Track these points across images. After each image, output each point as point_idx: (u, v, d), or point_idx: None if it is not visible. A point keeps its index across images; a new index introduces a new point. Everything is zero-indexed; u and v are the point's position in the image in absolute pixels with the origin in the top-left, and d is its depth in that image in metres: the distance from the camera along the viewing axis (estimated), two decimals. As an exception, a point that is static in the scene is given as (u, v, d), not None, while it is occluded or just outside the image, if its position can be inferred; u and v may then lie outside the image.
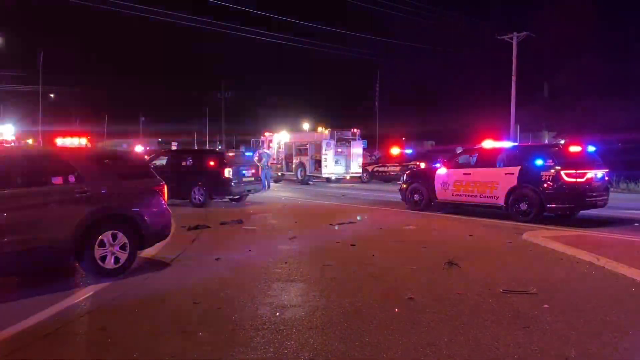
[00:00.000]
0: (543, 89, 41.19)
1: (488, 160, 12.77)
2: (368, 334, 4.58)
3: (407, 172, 16.60)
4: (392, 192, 18.62)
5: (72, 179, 6.52)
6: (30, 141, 43.12)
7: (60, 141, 8.05)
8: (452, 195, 13.16)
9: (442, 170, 13.53)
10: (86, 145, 8.38)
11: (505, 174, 11.99)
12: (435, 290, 6.03)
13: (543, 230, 10.18)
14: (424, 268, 7.16)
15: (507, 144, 14.13)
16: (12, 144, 26.84)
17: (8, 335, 4.51)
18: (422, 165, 21.83)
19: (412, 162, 25.82)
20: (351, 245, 8.74)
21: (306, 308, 5.34)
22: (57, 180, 6.45)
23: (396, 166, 26.80)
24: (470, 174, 12.82)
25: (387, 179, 27.15)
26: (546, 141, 40.39)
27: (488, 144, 13.33)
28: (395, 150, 28.81)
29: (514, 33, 32.03)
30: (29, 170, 6.31)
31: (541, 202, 11.35)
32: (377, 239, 9.51)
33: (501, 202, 12.00)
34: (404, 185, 14.75)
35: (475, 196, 12.60)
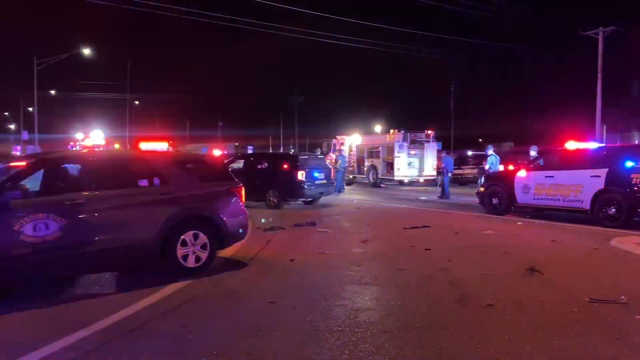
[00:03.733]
0: (631, 87, 38.52)
1: (572, 162, 12.15)
2: (445, 340, 4.48)
3: (485, 175, 16.10)
4: (468, 196, 18.13)
5: (157, 181, 6.88)
6: (117, 145, 45.90)
7: (144, 145, 8.48)
8: (534, 199, 12.61)
9: (522, 173, 12.99)
10: (168, 149, 8.80)
11: (591, 176, 11.33)
12: (515, 297, 5.80)
13: (633, 236, 9.52)
14: (504, 274, 6.91)
15: (593, 145, 13.37)
16: (102, 149, 28.58)
17: (99, 328, 4.81)
18: (501, 167, 21.05)
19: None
20: (426, 249, 8.59)
21: (381, 311, 5.30)
22: (144, 182, 6.83)
23: (473, 168, 26.04)
24: (553, 176, 12.22)
25: (463, 181, 26.46)
26: (637, 142, 37.73)
27: (572, 145, 12.66)
28: (471, 152, 28.01)
29: (600, 28, 30.17)
30: (118, 173, 6.73)
31: (631, 207, 10.63)
32: (453, 244, 9.28)
33: (586, 206, 11.36)
34: (482, 189, 14.33)
35: (559, 200, 12.01)
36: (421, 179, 26.20)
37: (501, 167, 17.06)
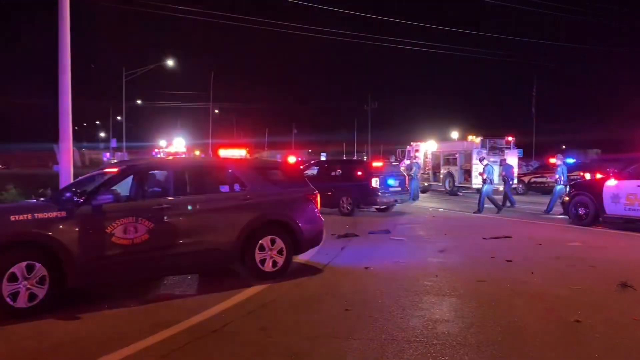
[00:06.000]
0: None
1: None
2: (528, 356, 4.29)
3: (570, 184, 15.28)
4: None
5: (237, 187, 7.10)
6: (197, 152, 47.89)
7: (223, 152, 8.76)
8: (624, 209, 11.79)
9: (612, 182, 12.20)
10: (246, 156, 9.05)
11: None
12: (605, 313, 5.45)
13: None
14: (592, 289, 6.51)
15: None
16: (184, 156, 29.86)
17: (182, 329, 5.02)
18: (587, 175, 19.87)
19: (575, 173, 23.66)
20: (507, 261, 8.26)
21: (459, 324, 5.16)
22: (225, 188, 7.07)
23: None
24: (647, 186, 11.39)
25: (545, 190, 25.17)
26: None
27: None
28: (554, 160, 26.66)
29: None
30: (201, 179, 7.02)
31: None
32: (536, 255, 8.86)
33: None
34: (567, 198, 13.60)
35: (654, 211, 11.15)
36: (500, 187, 25.23)
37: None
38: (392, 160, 21.98)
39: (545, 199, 17.43)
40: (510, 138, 25.76)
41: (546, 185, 25.34)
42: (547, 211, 15.99)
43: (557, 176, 16.40)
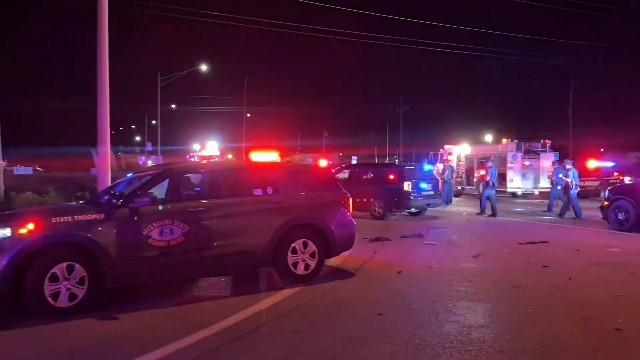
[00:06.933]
0: None
1: None
2: (567, 365, 4.18)
3: (609, 188, 14.86)
4: (589, 210, 16.79)
5: (270, 190, 7.15)
6: (230, 156, 48.45)
7: (255, 156, 8.82)
8: (667, 214, 11.39)
9: (654, 186, 11.81)
10: (277, 159, 9.09)
11: None
12: (649, 323, 5.27)
13: None
14: (632, 296, 6.32)
15: None
16: (217, 159, 30.26)
17: (217, 330, 5.09)
18: (627, 179, 19.29)
19: (615, 176, 22.99)
20: (543, 266, 8.08)
21: (495, 330, 5.07)
22: (258, 191, 7.13)
23: (594, 181, 24.10)
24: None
25: (583, 194, 24.52)
26: None
27: None
28: (592, 163, 25.94)
29: None
30: (235, 183, 7.09)
31: None
32: (574, 261, 8.64)
33: None
34: (606, 202, 13.21)
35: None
36: (536, 191, 24.70)
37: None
38: (424, 164, 21.61)
39: (583, 204, 16.99)
40: (546, 141, 25.22)
41: (584, 189, 24.67)
42: (549, 209, 17.03)
43: (569, 180, 16.26)
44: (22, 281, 5.34)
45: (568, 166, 16.52)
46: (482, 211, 16.52)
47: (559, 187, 16.79)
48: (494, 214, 16.27)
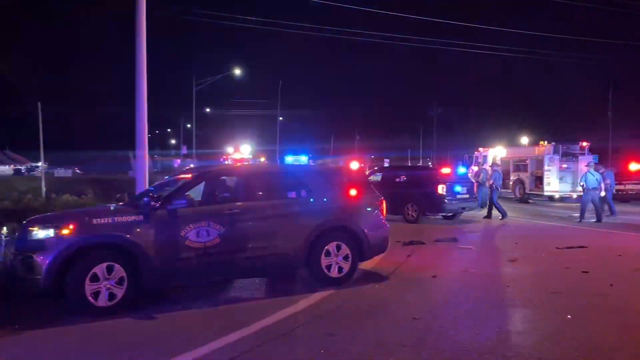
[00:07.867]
0: None
1: None
2: (611, 374, 4.05)
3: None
4: (632, 214, 16.31)
5: (303, 193, 7.18)
6: (262, 159, 48.86)
7: (288, 158, 8.90)
8: None
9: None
10: (309, 162, 9.13)
11: None
12: (697, 332, 5.07)
13: None
14: (680, 305, 6.08)
15: None
16: (249, 162, 30.56)
17: (253, 331, 5.13)
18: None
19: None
20: (583, 272, 7.86)
21: (534, 336, 4.96)
22: (292, 194, 7.17)
23: (637, 184, 23.33)
24: None
25: (624, 198, 23.75)
26: None
27: None
28: (634, 166, 25.09)
29: None
30: (269, 185, 7.15)
31: None
32: (616, 267, 8.37)
33: None
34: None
35: None
36: (574, 195, 24.01)
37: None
38: (459, 167, 21.23)
39: (625, 207, 16.47)
40: (584, 143, 24.54)
41: (625, 192, 23.91)
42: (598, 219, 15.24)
43: (581, 182, 15.70)
44: (64, 280, 5.51)
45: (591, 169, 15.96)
46: (504, 215, 16.27)
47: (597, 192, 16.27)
48: (488, 216, 16.32)
